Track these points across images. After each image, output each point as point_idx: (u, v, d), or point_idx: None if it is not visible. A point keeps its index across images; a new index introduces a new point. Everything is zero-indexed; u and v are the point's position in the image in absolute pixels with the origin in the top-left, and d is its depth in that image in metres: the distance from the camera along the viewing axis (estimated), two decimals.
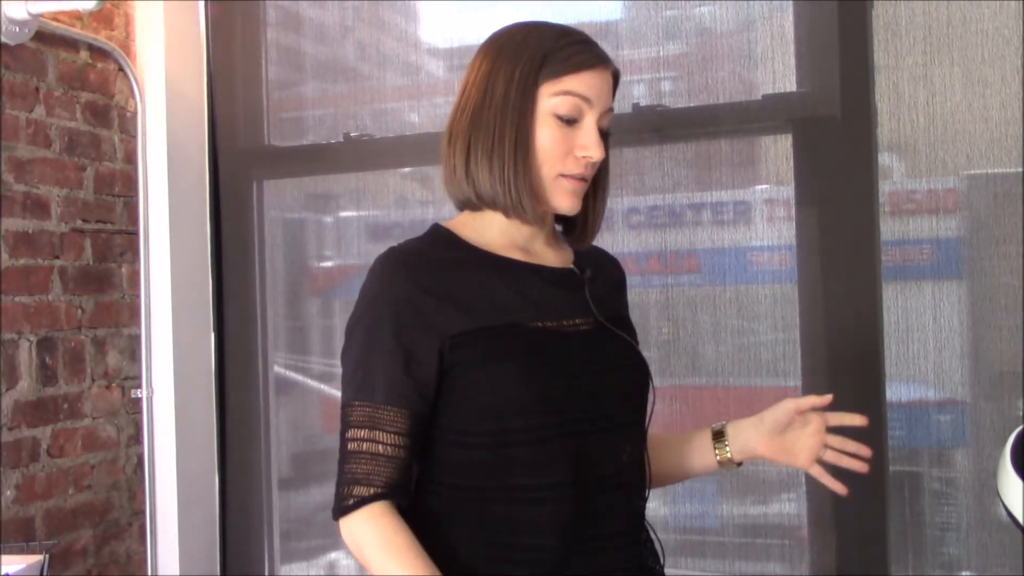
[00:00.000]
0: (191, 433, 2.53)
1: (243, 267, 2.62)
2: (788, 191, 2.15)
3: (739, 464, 1.53)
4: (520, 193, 1.34)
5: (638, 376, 1.41)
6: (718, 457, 1.51)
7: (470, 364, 1.31)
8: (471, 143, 1.36)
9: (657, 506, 2.18)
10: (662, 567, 1.45)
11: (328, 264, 2.69)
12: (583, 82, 1.34)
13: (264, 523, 2.60)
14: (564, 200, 1.36)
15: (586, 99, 1.34)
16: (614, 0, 2.32)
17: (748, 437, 1.51)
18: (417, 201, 2.56)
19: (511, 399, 1.30)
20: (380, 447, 1.30)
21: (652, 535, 1.45)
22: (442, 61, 2.54)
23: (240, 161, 2.64)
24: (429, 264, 1.35)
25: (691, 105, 2.23)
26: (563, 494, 1.30)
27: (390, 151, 2.52)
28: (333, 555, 2.58)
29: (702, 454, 1.53)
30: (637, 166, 2.28)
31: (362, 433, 1.30)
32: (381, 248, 1.41)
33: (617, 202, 2.28)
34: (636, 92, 2.27)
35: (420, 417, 1.32)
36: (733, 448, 1.51)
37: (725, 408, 2.20)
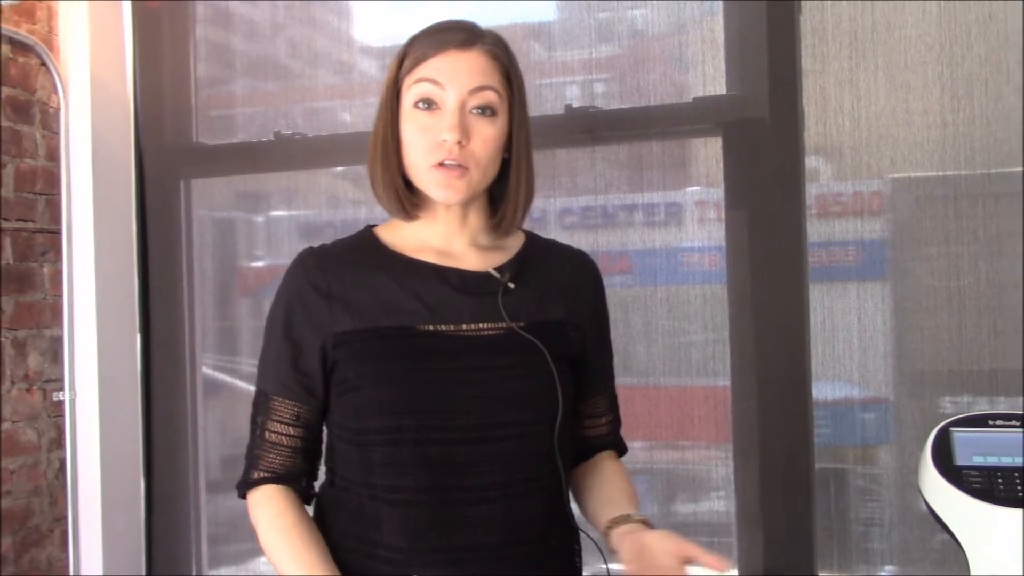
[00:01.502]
0: (116, 437, 2.48)
1: (170, 267, 2.58)
2: (718, 193, 2.17)
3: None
4: (392, 190, 1.40)
5: (543, 384, 1.37)
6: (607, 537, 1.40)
7: (347, 362, 1.37)
8: (369, 152, 1.43)
9: None
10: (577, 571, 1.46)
11: (259, 264, 2.66)
12: (432, 67, 1.37)
13: (192, 527, 2.56)
14: (437, 191, 1.37)
15: (435, 82, 1.36)
16: (547, 1, 2.33)
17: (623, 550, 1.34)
18: (349, 201, 2.54)
19: (370, 400, 1.35)
20: (267, 434, 1.41)
21: (577, 540, 1.45)
22: (375, 60, 2.52)
23: (167, 159, 2.59)
24: (330, 264, 1.41)
25: (623, 107, 2.24)
26: (418, 499, 1.32)
27: (322, 150, 2.49)
28: (263, 558, 2.54)
29: (601, 524, 1.43)
30: (570, 167, 2.29)
31: (259, 420, 1.42)
32: (319, 244, 1.48)
33: (550, 203, 2.29)
34: (569, 93, 2.28)
35: (308, 409, 1.41)
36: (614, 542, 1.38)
37: (656, 407, 2.21)
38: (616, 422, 1.58)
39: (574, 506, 1.48)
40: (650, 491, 2.24)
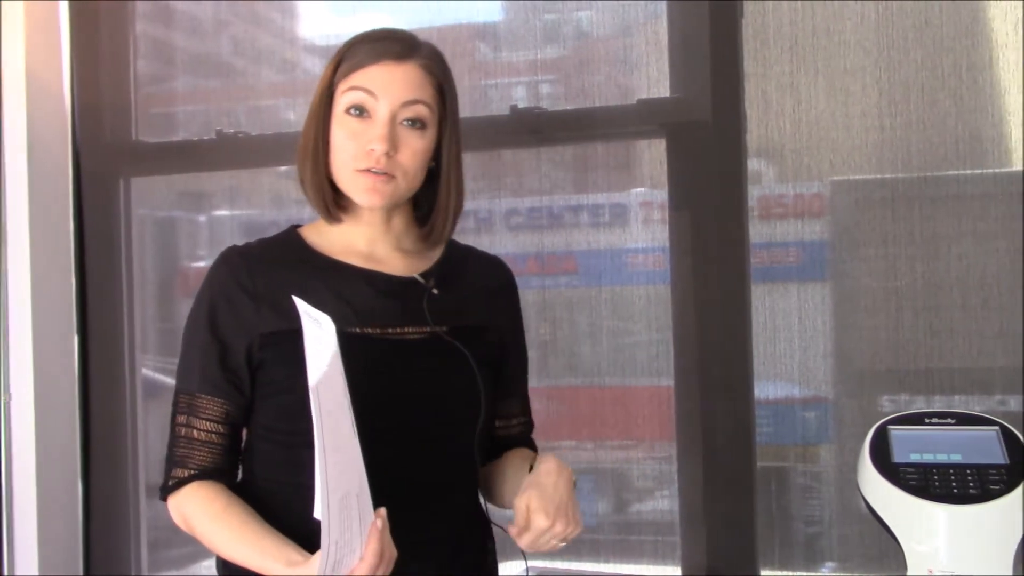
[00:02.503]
0: (52, 439, 2.43)
1: (109, 267, 2.53)
2: (662, 194, 2.19)
3: None
4: (319, 192, 1.42)
5: (466, 388, 1.41)
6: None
7: (274, 363, 1.37)
8: (298, 151, 1.44)
9: None
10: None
11: (201, 264, 2.62)
12: (367, 76, 1.39)
13: (131, 531, 2.51)
14: (361, 196, 1.39)
15: (368, 91, 1.38)
16: (493, 1, 2.33)
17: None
18: (293, 200, 2.51)
19: (302, 400, 1.32)
20: (195, 432, 1.39)
21: (491, 537, 1.49)
22: (319, 58, 2.50)
23: (105, 157, 2.54)
24: (256, 263, 1.42)
25: (568, 108, 2.25)
26: None
27: (265, 149, 2.46)
28: (205, 563, 2.52)
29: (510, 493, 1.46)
30: (516, 168, 2.30)
31: (182, 419, 1.41)
32: (243, 243, 1.49)
33: (496, 203, 2.29)
34: (515, 94, 2.28)
35: (236, 406, 1.40)
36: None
37: (601, 407, 2.22)
38: (528, 425, 1.62)
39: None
40: (595, 490, 2.25)
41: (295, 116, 2.48)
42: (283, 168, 2.52)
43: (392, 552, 1.21)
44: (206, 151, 2.50)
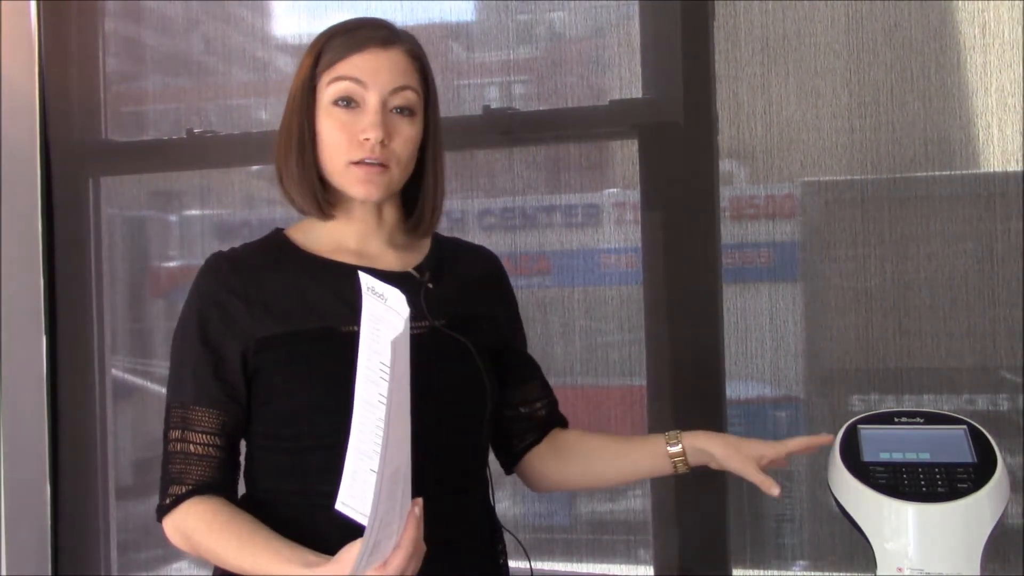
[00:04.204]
0: (20, 441, 2.40)
1: (78, 267, 2.50)
2: (635, 195, 2.20)
3: (687, 467, 1.49)
4: (309, 188, 1.38)
5: (471, 381, 1.39)
6: (671, 450, 1.47)
7: (273, 367, 1.33)
8: (278, 148, 1.40)
9: (508, 506, 2.20)
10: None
11: (172, 264, 2.60)
12: (353, 64, 1.35)
13: (100, 534, 2.49)
14: (357, 188, 1.36)
15: (358, 80, 1.35)
16: (466, 1, 2.32)
17: (709, 444, 1.47)
18: (264, 200, 2.50)
19: (305, 404, 1.31)
20: (192, 447, 1.33)
21: (501, 539, 1.47)
22: (291, 58, 2.49)
23: (75, 156, 2.52)
24: (245, 268, 1.37)
25: (541, 109, 2.25)
26: None
27: (236, 148, 2.45)
28: (176, 565, 2.50)
29: (651, 451, 1.50)
30: (488, 168, 2.30)
31: (176, 434, 1.34)
32: (228, 248, 1.44)
33: (469, 204, 2.29)
34: (487, 95, 2.28)
35: (233, 417, 1.35)
36: (686, 445, 1.48)
37: (574, 407, 2.22)
38: (553, 403, 1.61)
39: (502, 505, 1.51)
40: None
41: (267, 115, 2.47)
42: (255, 168, 2.50)
43: (423, 547, 1.16)
44: (176, 150, 2.49)
